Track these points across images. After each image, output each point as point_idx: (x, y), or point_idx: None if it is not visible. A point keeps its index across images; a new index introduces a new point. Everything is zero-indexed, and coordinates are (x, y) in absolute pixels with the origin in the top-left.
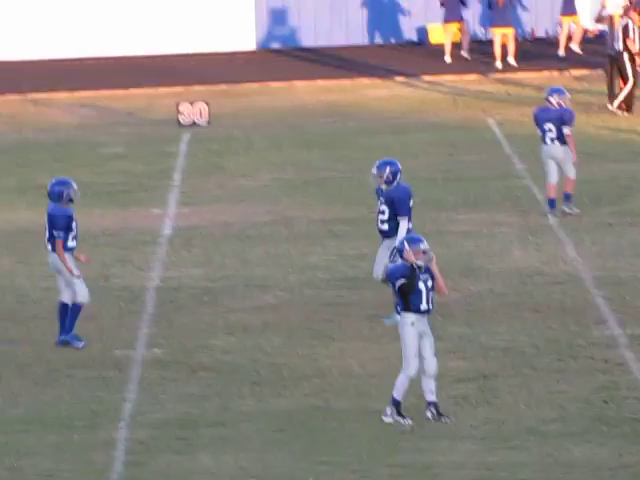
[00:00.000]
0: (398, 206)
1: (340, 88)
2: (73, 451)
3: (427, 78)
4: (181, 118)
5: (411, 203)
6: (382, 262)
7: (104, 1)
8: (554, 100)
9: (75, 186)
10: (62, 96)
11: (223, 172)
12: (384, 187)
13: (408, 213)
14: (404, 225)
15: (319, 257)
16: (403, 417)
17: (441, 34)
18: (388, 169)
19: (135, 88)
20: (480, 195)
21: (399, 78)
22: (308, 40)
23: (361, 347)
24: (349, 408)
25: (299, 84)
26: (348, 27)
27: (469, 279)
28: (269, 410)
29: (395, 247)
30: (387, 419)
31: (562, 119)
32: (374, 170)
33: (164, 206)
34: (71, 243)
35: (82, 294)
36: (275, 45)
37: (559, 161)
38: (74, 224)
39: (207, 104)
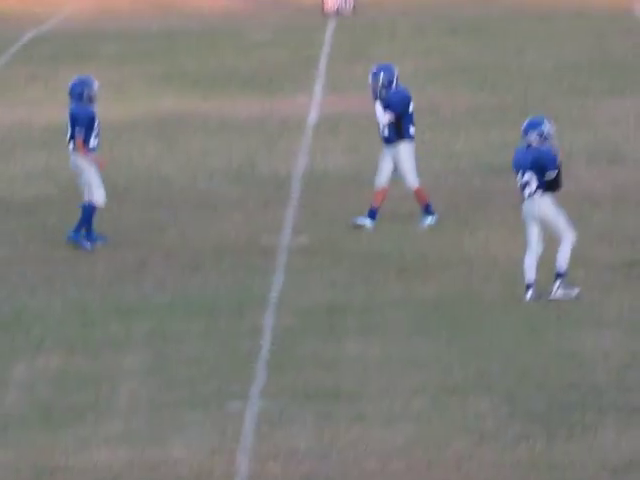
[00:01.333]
0: (398, 108)
1: None
2: (219, 337)
3: None
4: (326, 6)
5: (411, 107)
6: (385, 171)
7: None
8: None
9: (96, 85)
10: None
11: (368, 59)
12: (382, 92)
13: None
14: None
15: (464, 144)
16: (571, 287)
17: None
18: (382, 75)
19: None
20: (628, 82)
21: None
22: None
23: (506, 235)
24: (494, 296)
25: None
26: None
27: (615, 167)
28: (415, 297)
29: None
30: (557, 294)
31: None
32: (369, 78)
33: (310, 93)
34: (93, 142)
35: (99, 196)
36: None
37: None
38: (96, 123)
39: None
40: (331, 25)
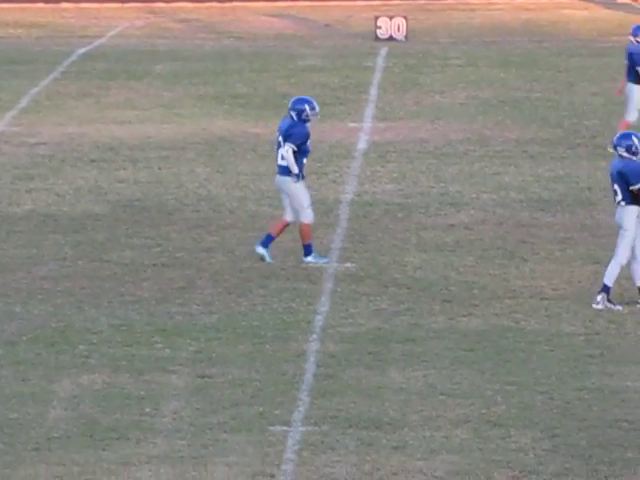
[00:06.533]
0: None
1: (539, 7)
2: (264, 361)
3: (626, 0)
4: (379, 32)
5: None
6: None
7: None
8: (633, 39)
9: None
10: (261, 5)
11: (419, 88)
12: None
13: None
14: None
15: (513, 177)
16: (614, 304)
17: None
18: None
19: (334, 0)
20: None
21: None
22: None
23: (553, 269)
24: (539, 330)
25: (498, 1)
26: None
27: None
28: (459, 328)
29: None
30: (597, 306)
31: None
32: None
33: (360, 120)
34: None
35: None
36: None
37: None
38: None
39: (405, 18)
40: (383, 52)
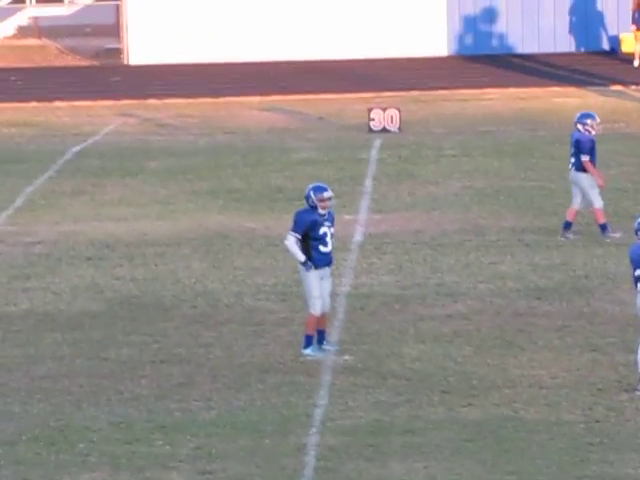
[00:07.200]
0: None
1: (531, 96)
2: (264, 456)
3: (619, 88)
4: (372, 124)
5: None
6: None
7: (298, 4)
8: (580, 127)
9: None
10: (254, 100)
11: (414, 179)
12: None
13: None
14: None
15: (510, 266)
16: None
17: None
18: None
19: (326, 93)
20: None
21: (591, 87)
22: (500, 47)
23: (551, 358)
24: (538, 419)
25: (490, 91)
26: (540, 34)
27: None
28: (459, 419)
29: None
30: None
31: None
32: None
33: (355, 212)
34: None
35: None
36: (466, 51)
37: (580, 188)
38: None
39: (398, 110)
40: (376, 143)
